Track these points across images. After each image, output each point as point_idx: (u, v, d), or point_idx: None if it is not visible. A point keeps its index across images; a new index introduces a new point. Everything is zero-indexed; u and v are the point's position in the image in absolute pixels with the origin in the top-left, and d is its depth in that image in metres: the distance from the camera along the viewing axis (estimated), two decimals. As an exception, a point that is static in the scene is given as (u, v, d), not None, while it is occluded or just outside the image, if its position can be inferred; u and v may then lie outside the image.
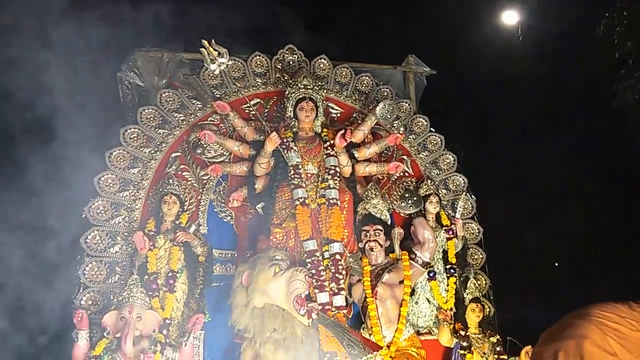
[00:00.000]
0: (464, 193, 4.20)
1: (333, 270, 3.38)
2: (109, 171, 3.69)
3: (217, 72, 3.68)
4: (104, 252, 3.53)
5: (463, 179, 4.38)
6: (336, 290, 3.34)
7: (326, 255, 3.44)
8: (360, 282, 3.51)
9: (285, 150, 3.65)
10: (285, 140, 3.69)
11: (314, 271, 3.32)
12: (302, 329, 3.16)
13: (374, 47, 4.85)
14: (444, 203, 4.24)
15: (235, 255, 3.72)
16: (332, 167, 3.67)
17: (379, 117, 3.94)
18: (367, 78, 4.50)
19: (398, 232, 3.68)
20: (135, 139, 3.83)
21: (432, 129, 4.50)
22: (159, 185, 3.70)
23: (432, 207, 3.99)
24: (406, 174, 4.30)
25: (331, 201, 3.54)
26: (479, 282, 4.02)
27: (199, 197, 3.81)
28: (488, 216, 4.54)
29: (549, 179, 6.52)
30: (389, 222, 3.72)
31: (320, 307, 3.22)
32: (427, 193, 4.03)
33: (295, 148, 3.68)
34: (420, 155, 4.41)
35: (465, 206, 4.23)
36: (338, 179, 3.66)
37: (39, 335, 3.43)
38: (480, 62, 6.11)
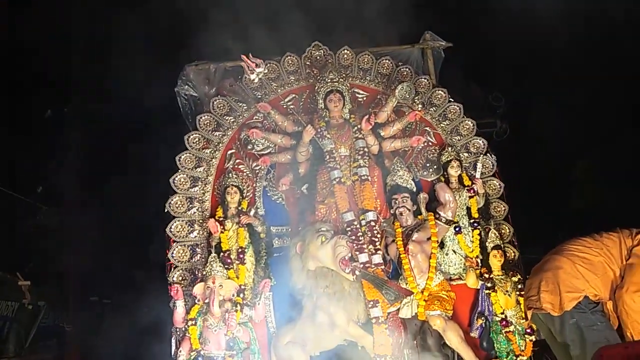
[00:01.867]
0: (483, 155, 4.71)
1: (369, 235, 4.09)
2: (180, 172, 4.52)
3: (256, 80, 4.38)
4: (186, 238, 4.40)
5: (482, 142, 4.88)
6: (373, 251, 4.05)
7: (363, 223, 4.15)
8: (394, 242, 4.20)
9: (320, 139, 4.33)
10: (319, 129, 4.37)
11: (353, 237, 4.04)
12: (348, 284, 3.92)
13: (392, 29, 5.31)
14: (467, 165, 4.77)
15: (289, 229, 4.49)
16: (361, 149, 4.33)
17: (398, 98, 4.53)
18: (387, 61, 5.03)
19: (423, 196, 4.32)
20: (197, 142, 4.63)
21: (451, 99, 4.99)
22: (221, 179, 4.49)
23: (453, 171, 4.56)
24: (430, 144, 4.86)
25: (362, 177, 4.23)
26: (502, 231, 4.60)
27: (254, 185, 4.59)
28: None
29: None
30: (414, 190, 4.35)
31: (361, 265, 3.95)
32: (448, 159, 4.59)
33: (328, 135, 4.35)
34: (442, 124, 4.93)
35: (485, 165, 4.76)
36: (367, 158, 4.33)
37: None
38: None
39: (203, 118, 4.68)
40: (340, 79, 4.56)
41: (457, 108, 4.94)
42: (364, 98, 4.96)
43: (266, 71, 4.51)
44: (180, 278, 4.29)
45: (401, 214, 4.22)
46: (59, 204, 8.16)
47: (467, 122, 4.91)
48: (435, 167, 4.49)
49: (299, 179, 4.48)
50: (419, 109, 4.68)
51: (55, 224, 8.16)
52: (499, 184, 4.79)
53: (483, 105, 6.29)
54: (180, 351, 3.77)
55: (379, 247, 4.09)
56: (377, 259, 4.04)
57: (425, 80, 5.01)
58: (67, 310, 8.13)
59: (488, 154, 4.85)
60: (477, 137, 4.89)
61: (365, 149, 4.36)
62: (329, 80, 4.53)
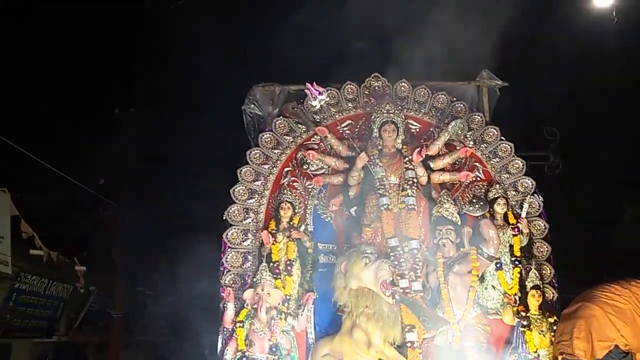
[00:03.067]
0: (530, 195, 4.83)
1: (411, 262, 4.30)
2: (240, 184, 4.87)
3: (317, 106, 4.70)
4: (240, 245, 4.74)
5: (531, 182, 5.00)
6: (414, 278, 4.25)
7: (406, 249, 4.36)
8: (435, 271, 4.38)
9: (372, 166, 4.59)
10: (372, 157, 4.63)
11: (396, 262, 4.26)
12: (388, 306, 4.13)
13: (450, 64, 5.53)
14: (513, 203, 4.90)
15: (335, 248, 4.75)
16: (410, 179, 4.56)
17: (451, 133, 4.75)
18: (442, 96, 5.25)
19: (467, 230, 4.49)
20: (257, 157, 4.98)
21: (502, 137, 5.15)
22: (276, 194, 4.81)
23: (499, 208, 4.71)
24: (478, 179, 5.03)
25: (409, 207, 4.45)
26: (543, 272, 4.70)
27: (306, 203, 4.89)
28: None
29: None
30: (459, 223, 4.52)
31: (401, 290, 4.16)
32: (495, 196, 4.74)
33: (380, 164, 4.61)
34: (491, 161, 5.09)
35: (532, 206, 4.88)
36: (415, 188, 4.55)
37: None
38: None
39: (265, 136, 5.03)
40: (396, 111, 4.82)
41: (508, 147, 5.09)
42: (417, 130, 5.18)
43: (327, 99, 4.82)
44: (232, 282, 4.61)
45: (444, 245, 4.40)
46: (117, 198, 8.73)
47: (517, 161, 5.05)
48: (481, 203, 4.65)
49: (348, 201, 4.74)
50: (470, 145, 4.86)
51: (112, 216, 8.74)
52: (544, 225, 4.88)
53: (536, 139, 6.35)
54: (227, 350, 4.08)
55: (419, 274, 4.28)
56: (417, 285, 4.24)
57: (479, 117, 5.19)
58: (114, 297, 8.65)
59: (535, 195, 4.96)
60: (526, 177, 5.02)
61: (415, 179, 4.58)
62: (385, 111, 4.80)
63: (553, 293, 4.69)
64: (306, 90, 4.63)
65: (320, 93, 4.60)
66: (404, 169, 4.62)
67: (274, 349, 4.03)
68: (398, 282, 4.21)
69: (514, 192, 4.97)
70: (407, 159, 4.65)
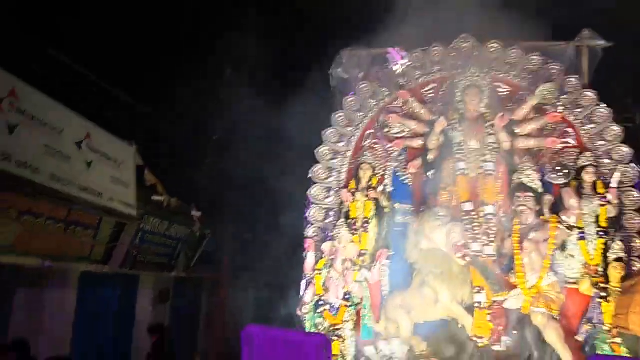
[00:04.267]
0: (624, 164, 4.55)
1: (485, 227, 4.36)
2: (324, 144, 5.20)
3: (399, 71, 4.80)
4: (322, 201, 5.12)
5: (627, 150, 4.69)
6: (486, 242, 4.33)
7: (480, 214, 4.42)
8: (510, 237, 4.40)
9: (451, 130, 4.64)
10: (451, 121, 4.66)
11: (469, 226, 4.35)
12: (458, 267, 4.29)
13: (548, 24, 5.22)
14: (606, 172, 4.65)
15: (412, 208, 4.94)
16: (491, 144, 4.54)
17: (539, 98, 4.58)
18: (536, 57, 5.02)
19: (547, 198, 4.41)
20: (341, 120, 5.24)
21: (599, 102, 4.84)
22: (358, 155, 5.07)
23: (588, 177, 4.53)
24: (568, 145, 4.83)
25: (487, 172, 4.47)
26: (633, 244, 4.49)
27: (386, 164, 5.09)
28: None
29: None
30: (540, 190, 4.44)
31: (473, 253, 4.27)
32: (585, 164, 4.55)
33: (459, 128, 4.64)
34: (585, 127, 4.83)
35: (626, 176, 4.61)
36: (495, 154, 4.52)
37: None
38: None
39: (349, 99, 5.26)
40: (481, 74, 4.74)
41: (605, 112, 4.79)
42: (506, 93, 5.06)
43: (409, 63, 4.88)
44: (314, 234, 5.04)
45: (522, 212, 4.38)
46: (229, 151, 9.54)
47: (613, 127, 4.76)
48: (565, 171, 4.50)
49: (427, 164, 4.86)
50: (560, 110, 4.67)
51: (223, 167, 9.62)
52: (638, 197, 4.61)
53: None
54: (307, 293, 4.55)
55: (492, 239, 4.35)
56: (489, 250, 4.32)
57: (574, 80, 4.92)
58: (225, 241, 9.62)
59: (632, 164, 4.67)
60: (623, 145, 4.72)
61: (495, 145, 4.55)
62: (470, 75, 4.75)
63: (643, 267, 4.47)
64: (388, 55, 4.74)
65: (402, 57, 4.68)
66: (485, 134, 4.60)
67: (347, 296, 4.41)
68: (470, 245, 4.32)
69: (607, 161, 4.72)
70: (489, 123, 4.61)
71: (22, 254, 5.97)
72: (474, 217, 4.41)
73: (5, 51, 5.17)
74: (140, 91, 7.85)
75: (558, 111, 4.67)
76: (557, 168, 4.53)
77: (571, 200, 4.22)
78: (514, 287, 4.16)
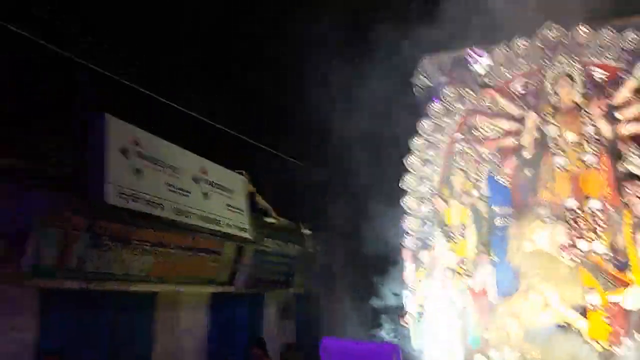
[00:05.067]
0: None
1: (592, 223, 4.09)
2: (413, 154, 5.26)
3: (480, 71, 4.72)
4: (416, 211, 5.17)
5: None
6: (595, 239, 4.05)
7: (586, 210, 4.16)
8: (622, 231, 4.08)
9: (544, 124, 4.44)
10: (544, 115, 4.47)
11: (574, 224, 4.12)
12: (565, 268, 4.08)
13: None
14: None
15: (512, 210, 4.77)
16: (590, 134, 4.26)
17: (637, 78, 4.22)
18: (631, 34, 4.61)
19: (662, 186, 4.01)
20: (428, 127, 5.26)
21: None
22: (448, 161, 5.05)
23: None
24: (689, 125, 4.36)
25: (588, 165, 4.19)
26: None
27: (479, 167, 4.99)
28: None
29: None
30: (651, 178, 4.07)
31: (581, 252, 4.04)
32: None
33: (553, 122, 4.43)
34: (703, 100, 4.34)
35: None
36: (595, 144, 4.24)
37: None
38: None
39: (434, 105, 5.27)
40: (571, 62, 4.49)
41: None
42: (604, 78, 4.71)
43: (490, 62, 4.78)
44: (412, 244, 5.10)
45: (632, 203, 4.05)
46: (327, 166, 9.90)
47: None
48: (678, 154, 4.07)
49: (523, 162, 4.68)
50: (664, 89, 4.24)
51: (325, 182, 10.00)
52: None
53: None
54: (408, 302, 4.63)
55: (601, 235, 4.06)
56: (599, 246, 4.04)
57: (684, 51, 4.44)
58: (335, 255, 9.94)
59: None
60: None
61: (595, 135, 4.27)
62: (558, 64, 4.52)
63: None
64: (468, 56, 4.70)
65: (482, 56, 4.61)
66: (583, 124, 4.34)
67: (448, 304, 4.41)
68: (577, 243, 4.09)
69: None
70: (586, 113, 4.35)
71: (157, 281, 6.82)
72: (579, 213, 4.15)
73: (127, 103, 6.05)
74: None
75: (665, 89, 4.23)
76: (670, 153, 4.11)
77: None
78: (624, 284, 3.84)
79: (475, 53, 4.59)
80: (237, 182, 7.85)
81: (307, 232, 10.43)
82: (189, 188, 6.60)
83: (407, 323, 4.55)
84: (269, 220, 9.11)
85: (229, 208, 7.45)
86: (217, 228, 7.03)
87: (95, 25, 6.18)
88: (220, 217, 7.15)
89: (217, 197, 7.17)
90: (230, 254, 7.84)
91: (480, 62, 4.60)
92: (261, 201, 9.28)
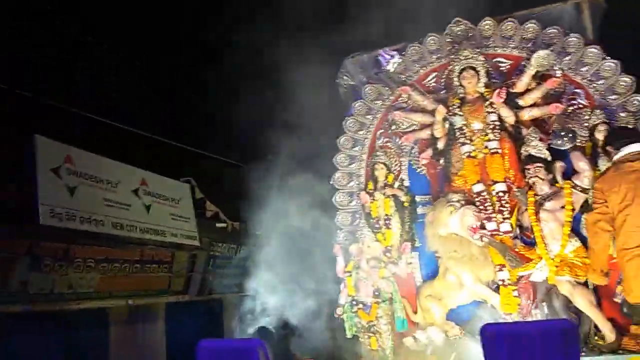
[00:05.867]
0: (634, 118, 4.37)
1: (498, 205, 4.39)
2: (340, 152, 5.48)
3: (391, 70, 4.97)
4: (347, 206, 5.39)
5: (642, 98, 4.50)
6: (501, 220, 4.36)
7: (493, 193, 4.46)
8: (527, 210, 4.39)
9: (452, 116, 4.72)
10: (451, 106, 4.75)
11: (481, 207, 4.41)
12: (477, 249, 4.37)
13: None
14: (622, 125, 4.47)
15: (431, 198, 5.05)
16: (492, 122, 4.57)
17: (535, 66, 4.54)
18: (532, 25, 4.94)
19: (559, 165, 4.35)
20: (352, 125, 5.49)
21: (606, 55, 4.68)
22: (372, 156, 5.28)
23: (600, 135, 4.40)
24: (580, 106, 4.71)
25: (492, 150, 4.50)
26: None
27: (400, 160, 5.25)
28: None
29: None
30: (549, 159, 4.39)
31: (489, 233, 4.33)
32: (595, 123, 4.43)
33: (460, 113, 4.71)
34: (594, 84, 4.69)
35: (647, 126, 4.42)
36: (498, 131, 4.54)
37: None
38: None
39: (357, 104, 5.50)
40: (474, 55, 4.77)
41: (613, 65, 4.62)
42: (507, 67, 5.02)
43: (400, 60, 5.04)
44: (345, 238, 5.32)
45: (534, 183, 4.36)
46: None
47: (624, 79, 4.57)
48: (570, 135, 4.39)
49: (437, 153, 4.96)
50: (558, 75, 4.57)
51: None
52: (664, 145, 4.38)
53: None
54: (341, 294, 4.84)
55: (507, 216, 4.37)
56: (505, 227, 4.35)
57: (575, 39, 4.78)
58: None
59: (652, 111, 4.46)
60: (637, 94, 4.52)
61: (497, 123, 4.57)
62: (463, 58, 4.80)
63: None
64: (379, 57, 4.94)
65: (392, 57, 4.86)
66: (487, 113, 4.63)
67: (376, 293, 4.64)
68: (485, 225, 4.38)
69: (623, 114, 4.54)
70: (487, 102, 4.64)
71: (105, 297, 6.83)
72: (486, 197, 4.45)
73: (56, 122, 6.04)
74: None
75: (556, 76, 4.57)
76: (561, 133, 4.43)
77: (580, 163, 4.14)
78: (528, 260, 4.15)
79: (386, 54, 4.83)
80: (181, 191, 7.92)
81: (259, 233, 10.52)
82: (129, 201, 6.64)
83: (339, 314, 4.75)
84: (220, 225, 9.20)
85: (175, 217, 7.52)
86: (163, 239, 7.10)
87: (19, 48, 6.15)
88: (165, 228, 7.22)
89: (161, 208, 7.24)
90: (181, 263, 7.92)
91: (392, 62, 4.85)
92: (211, 207, 9.37)
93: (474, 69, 4.75)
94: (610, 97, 4.62)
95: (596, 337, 4.05)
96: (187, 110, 8.59)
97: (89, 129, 6.75)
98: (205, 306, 8.83)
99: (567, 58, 4.78)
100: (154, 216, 7.04)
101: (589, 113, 4.57)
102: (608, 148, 3.77)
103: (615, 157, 3.45)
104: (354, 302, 4.71)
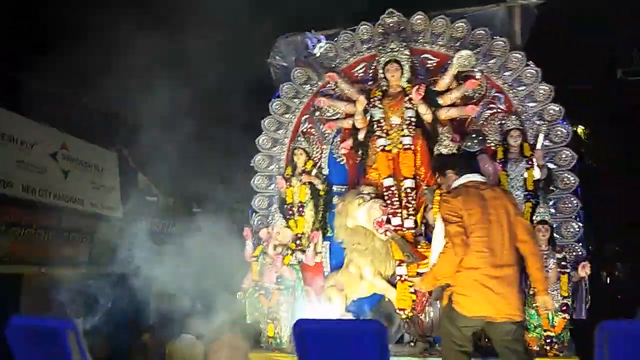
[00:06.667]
0: (547, 126, 4.45)
1: (405, 201, 4.39)
2: (263, 133, 5.35)
3: (318, 53, 4.87)
4: (265, 190, 5.29)
5: (559, 109, 4.58)
6: (406, 215, 4.36)
7: (402, 189, 4.45)
8: (432, 209, 4.41)
9: (372, 108, 4.67)
10: (372, 99, 4.69)
11: (389, 201, 4.40)
12: (380, 243, 4.36)
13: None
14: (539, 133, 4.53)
15: (347, 188, 5.00)
16: (409, 118, 4.54)
17: (456, 66, 4.53)
18: (462, 24, 4.92)
19: (468, 166, 4.36)
20: (278, 108, 5.37)
21: (528, 62, 4.72)
22: (294, 141, 5.19)
23: (512, 141, 4.46)
24: (499, 110, 4.75)
25: (405, 146, 4.48)
26: (568, 205, 4.40)
27: (322, 147, 5.18)
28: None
29: None
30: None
31: (393, 228, 4.33)
32: (509, 128, 4.48)
33: (379, 105, 4.66)
34: (515, 90, 4.73)
35: (558, 135, 4.52)
36: (413, 128, 4.52)
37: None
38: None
39: (285, 87, 5.37)
40: (400, 48, 4.72)
41: (534, 72, 4.67)
42: (434, 64, 5.00)
43: (327, 45, 4.94)
44: (259, 222, 5.23)
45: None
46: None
47: (543, 87, 4.63)
48: (480, 138, 4.43)
49: (357, 144, 4.90)
50: (478, 77, 4.59)
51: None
52: (571, 155, 4.49)
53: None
54: (245, 279, 4.76)
55: (412, 212, 4.37)
56: (409, 223, 4.36)
57: (502, 43, 4.80)
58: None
59: (564, 122, 4.55)
60: (554, 104, 4.59)
61: (413, 119, 4.54)
62: (389, 50, 4.74)
63: (578, 226, 4.38)
64: (306, 40, 4.81)
65: (319, 40, 4.75)
66: (405, 109, 4.60)
67: (279, 280, 4.58)
68: (391, 219, 4.37)
69: (539, 121, 4.61)
70: (407, 97, 4.61)
71: (18, 262, 6.53)
72: (395, 192, 4.44)
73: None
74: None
75: (476, 77, 4.58)
76: (472, 135, 4.46)
77: (486, 166, 4.18)
78: (423, 258, 4.18)
79: (313, 37, 4.72)
80: (107, 159, 7.62)
81: (198, 210, 10.32)
82: (45, 165, 6.33)
83: (240, 298, 4.68)
84: (150, 198, 8.94)
85: (96, 186, 7.23)
86: (79, 207, 6.82)
87: None
88: (83, 196, 6.94)
89: (81, 175, 6.94)
90: (106, 234, 7.65)
91: (318, 46, 4.73)
92: (143, 179, 9.07)
93: (398, 62, 4.70)
94: (528, 104, 4.67)
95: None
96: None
97: (10, 87, 6.35)
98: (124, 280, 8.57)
99: (491, 61, 4.80)
100: (72, 183, 6.74)
101: (505, 118, 4.62)
102: (448, 172, 3.84)
103: (460, 181, 3.53)
104: (257, 288, 4.63)
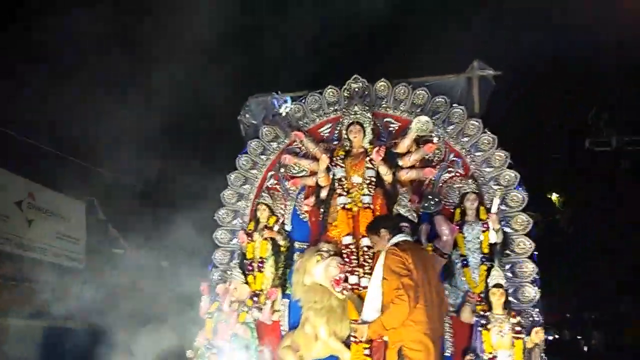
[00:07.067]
0: (502, 191, 4.58)
1: (361, 259, 4.40)
2: (229, 188, 5.40)
3: (284, 113, 5.04)
4: (227, 244, 5.27)
5: (514, 175, 4.73)
6: (362, 274, 4.36)
7: (359, 247, 4.47)
8: (390, 268, 4.41)
9: (334, 166, 4.77)
10: (335, 158, 4.81)
11: (347, 259, 4.41)
12: (337, 302, 4.32)
13: (440, 59, 5.41)
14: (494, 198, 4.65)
15: (309, 246, 5.01)
16: (369, 178, 4.65)
17: (414, 130, 4.71)
18: (422, 92, 5.16)
19: (424, 228, 4.44)
20: (246, 163, 5.45)
21: (485, 130, 4.93)
22: (258, 197, 5.23)
23: (469, 204, 4.57)
24: (457, 174, 4.90)
25: (365, 205, 4.55)
26: (524, 270, 4.46)
27: (286, 203, 5.23)
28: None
29: None
30: (415, 220, 4.49)
31: (350, 286, 4.31)
32: (466, 191, 4.60)
33: (342, 164, 4.77)
34: (472, 155, 4.90)
35: (515, 200, 4.64)
36: (373, 187, 4.62)
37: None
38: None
39: (253, 143, 5.49)
40: (363, 112, 4.90)
41: (491, 139, 4.87)
42: (396, 128, 5.19)
43: (292, 106, 5.13)
44: (220, 277, 5.16)
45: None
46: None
47: (499, 154, 4.81)
48: (436, 200, 4.55)
49: (320, 201, 4.96)
50: (435, 141, 4.77)
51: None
52: (527, 220, 4.59)
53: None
54: (198, 337, 4.63)
55: (368, 271, 4.37)
56: (365, 281, 4.34)
57: (460, 111, 5.02)
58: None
59: (520, 188, 4.69)
60: (509, 170, 4.75)
61: (373, 179, 4.65)
62: (353, 113, 4.92)
63: (534, 291, 4.41)
64: (273, 100, 4.99)
65: (285, 101, 4.93)
66: (365, 169, 4.71)
67: (232, 338, 4.47)
68: (348, 278, 4.36)
69: (496, 186, 4.74)
70: (368, 158, 4.74)
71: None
72: (353, 250, 4.46)
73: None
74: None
75: (434, 142, 4.76)
76: (429, 197, 4.56)
77: (441, 228, 4.25)
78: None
79: (279, 98, 4.91)
80: (75, 210, 7.55)
81: (165, 264, 10.14)
82: (9, 213, 6.26)
83: (192, 356, 4.53)
84: (117, 251, 8.80)
85: (61, 236, 7.12)
86: (41, 257, 6.68)
87: None
88: (47, 246, 6.81)
89: (46, 224, 6.84)
90: (62, 285, 7.44)
91: (284, 107, 4.91)
92: (112, 231, 8.97)
93: (361, 124, 4.86)
94: (485, 169, 4.83)
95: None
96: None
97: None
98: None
99: (450, 127, 5.00)
100: (36, 232, 6.64)
101: (463, 181, 4.76)
102: (382, 230, 3.98)
103: (394, 240, 3.80)
104: (209, 347, 4.50)
